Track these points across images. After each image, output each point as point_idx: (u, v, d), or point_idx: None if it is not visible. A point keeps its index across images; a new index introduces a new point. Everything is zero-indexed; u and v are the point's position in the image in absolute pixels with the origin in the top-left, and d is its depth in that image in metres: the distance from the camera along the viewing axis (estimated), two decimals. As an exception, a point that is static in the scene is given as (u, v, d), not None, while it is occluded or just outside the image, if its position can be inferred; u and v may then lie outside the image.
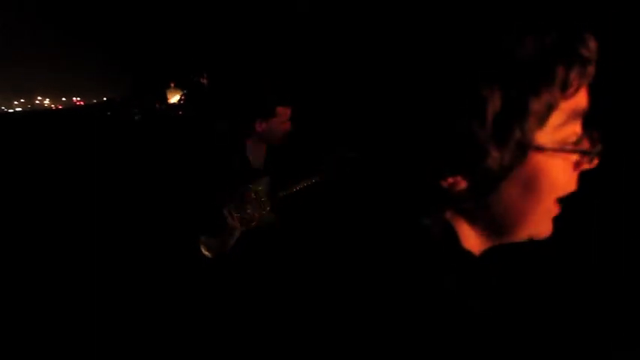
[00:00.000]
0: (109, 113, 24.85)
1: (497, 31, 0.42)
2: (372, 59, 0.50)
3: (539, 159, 0.43)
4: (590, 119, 0.47)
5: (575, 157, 0.45)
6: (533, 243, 0.49)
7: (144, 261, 3.13)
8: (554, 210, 0.48)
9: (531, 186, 0.44)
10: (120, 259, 3.27)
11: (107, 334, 2.38)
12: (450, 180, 0.43)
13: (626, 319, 1.52)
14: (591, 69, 0.44)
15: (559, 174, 0.45)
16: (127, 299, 2.67)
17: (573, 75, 0.42)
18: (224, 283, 1.83)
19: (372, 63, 0.50)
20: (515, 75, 0.41)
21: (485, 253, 0.50)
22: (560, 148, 0.44)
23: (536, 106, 0.41)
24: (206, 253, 1.82)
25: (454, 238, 0.46)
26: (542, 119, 0.42)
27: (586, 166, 0.47)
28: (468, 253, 0.47)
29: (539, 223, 0.47)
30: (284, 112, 1.76)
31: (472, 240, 0.48)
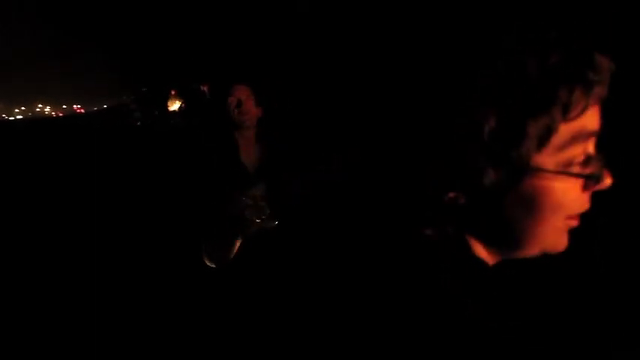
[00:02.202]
0: (109, 120, 24.98)
1: (498, 50, 0.41)
2: (371, 64, 0.50)
3: (539, 180, 0.42)
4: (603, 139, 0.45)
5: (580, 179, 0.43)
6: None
7: (145, 271, 3.13)
8: (567, 226, 0.46)
9: (533, 206, 0.43)
10: (122, 268, 3.27)
11: (110, 345, 2.38)
12: (451, 195, 0.43)
13: (626, 319, 1.53)
14: (600, 90, 0.41)
15: (564, 195, 0.43)
16: (130, 309, 2.67)
17: (576, 97, 0.40)
18: (227, 292, 1.83)
19: (371, 68, 0.50)
20: (511, 97, 0.40)
21: (497, 265, 0.49)
22: (560, 171, 0.42)
23: (533, 129, 0.40)
24: (208, 262, 1.82)
25: (466, 247, 0.46)
26: (542, 142, 0.41)
27: (595, 188, 0.45)
28: (481, 261, 0.47)
29: (549, 239, 0.46)
30: (237, 90, 1.78)
31: (482, 252, 0.48)
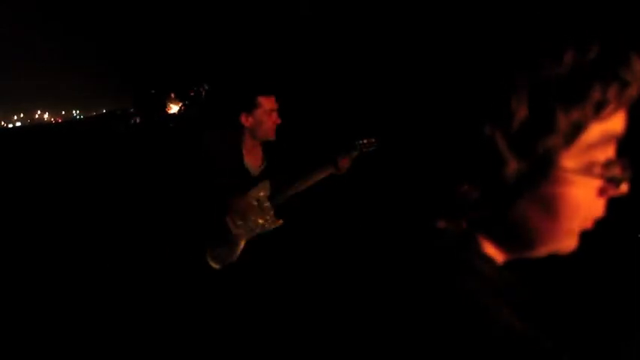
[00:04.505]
0: (109, 125, 25.08)
1: (537, 41, 0.40)
2: (385, 59, 0.49)
3: (559, 179, 0.41)
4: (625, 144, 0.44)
5: (600, 182, 0.43)
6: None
7: (150, 271, 3.12)
8: (579, 229, 0.45)
9: (549, 206, 0.42)
10: (127, 270, 3.27)
11: (113, 345, 2.38)
12: (466, 187, 0.42)
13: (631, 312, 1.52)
14: (633, 91, 0.40)
15: (581, 198, 0.42)
16: (134, 310, 2.67)
17: (610, 96, 0.39)
18: (232, 293, 1.82)
19: (383, 62, 0.50)
20: (546, 88, 0.39)
21: (506, 265, 0.48)
22: (583, 172, 0.41)
23: (563, 123, 0.39)
24: (213, 264, 1.82)
25: (473, 242, 0.45)
26: (569, 138, 0.40)
27: (613, 193, 0.44)
28: (488, 258, 0.46)
29: (560, 241, 0.45)
30: (266, 102, 1.73)
31: (491, 249, 0.47)
